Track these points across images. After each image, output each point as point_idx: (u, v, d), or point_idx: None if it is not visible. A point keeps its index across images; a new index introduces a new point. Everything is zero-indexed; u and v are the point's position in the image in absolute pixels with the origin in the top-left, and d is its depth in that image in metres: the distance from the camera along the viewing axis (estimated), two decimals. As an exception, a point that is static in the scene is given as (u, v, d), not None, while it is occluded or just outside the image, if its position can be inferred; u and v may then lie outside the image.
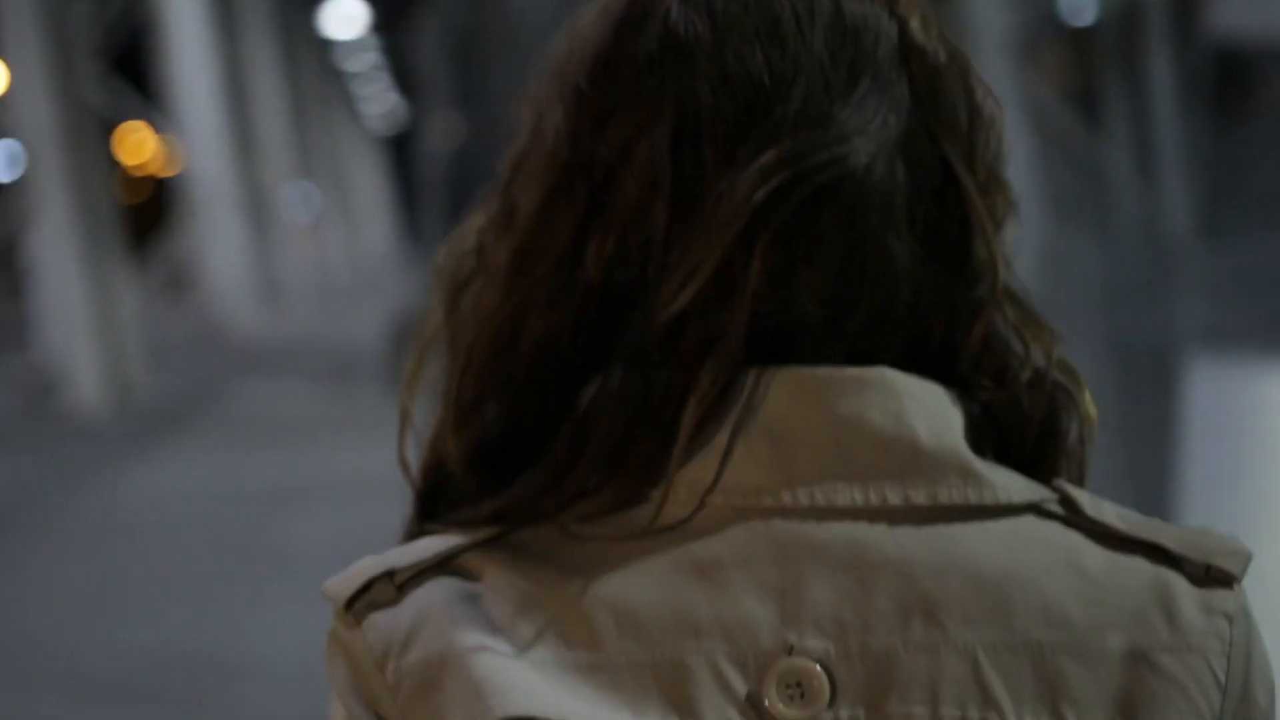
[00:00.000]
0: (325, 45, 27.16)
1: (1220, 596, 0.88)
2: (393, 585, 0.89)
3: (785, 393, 0.87)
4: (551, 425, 0.90)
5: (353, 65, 27.09)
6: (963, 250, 0.91)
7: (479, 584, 0.88)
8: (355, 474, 8.02)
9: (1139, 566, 0.88)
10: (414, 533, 0.94)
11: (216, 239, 17.81)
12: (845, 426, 0.87)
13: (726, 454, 0.87)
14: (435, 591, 0.88)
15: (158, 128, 18.77)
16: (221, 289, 17.43)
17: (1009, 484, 0.89)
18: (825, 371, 0.88)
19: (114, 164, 21.64)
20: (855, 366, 0.88)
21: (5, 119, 12.89)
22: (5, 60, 12.24)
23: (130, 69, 17.42)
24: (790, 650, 0.85)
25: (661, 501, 0.87)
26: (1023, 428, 0.92)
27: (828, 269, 0.88)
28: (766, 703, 0.85)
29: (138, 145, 26.92)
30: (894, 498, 0.87)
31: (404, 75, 27.02)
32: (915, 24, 0.93)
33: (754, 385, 0.87)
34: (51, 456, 10.91)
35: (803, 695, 0.85)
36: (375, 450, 1.99)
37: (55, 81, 12.13)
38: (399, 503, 0.96)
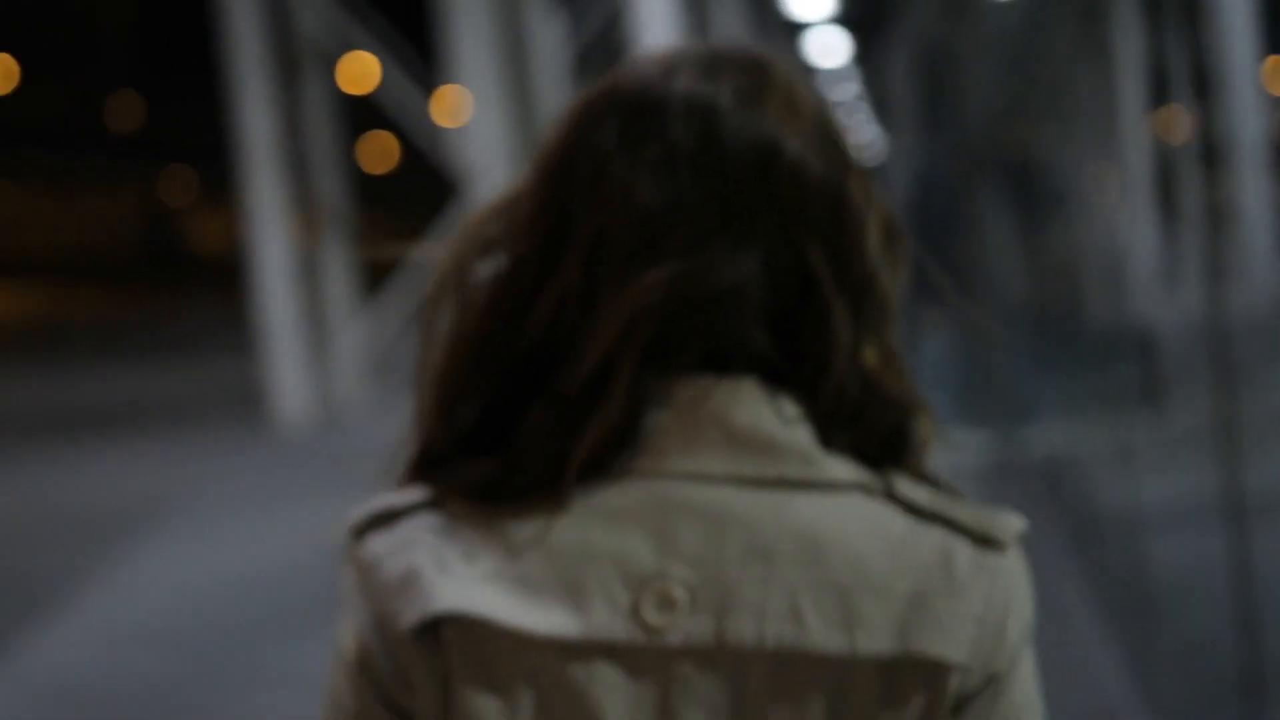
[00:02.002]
0: (808, 74, 26.74)
1: (991, 557, 1.18)
2: (389, 517, 1.22)
3: (679, 396, 1.19)
4: (510, 425, 1.22)
5: (835, 95, 26.62)
6: (819, 335, 1.20)
7: (450, 518, 1.21)
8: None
9: (933, 533, 1.18)
10: (412, 479, 1.25)
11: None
12: (717, 418, 1.19)
13: (648, 435, 1.19)
14: (417, 522, 1.21)
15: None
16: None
17: (840, 469, 1.19)
18: (708, 381, 1.20)
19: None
20: (729, 378, 1.20)
21: (460, 145, 12.79)
22: (467, 88, 12.11)
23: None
24: (662, 575, 1.16)
25: (573, 477, 1.18)
26: (868, 436, 1.22)
27: (693, 357, 1.20)
28: (642, 612, 1.16)
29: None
30: (749, 470, 1.18)
31: (880, 106, 26.51)
32: (794, 143, 1.20)
33: (656, 391, 1.19)
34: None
35: (669, 608, 1.15)
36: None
37: (513, 111, 11.94)
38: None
